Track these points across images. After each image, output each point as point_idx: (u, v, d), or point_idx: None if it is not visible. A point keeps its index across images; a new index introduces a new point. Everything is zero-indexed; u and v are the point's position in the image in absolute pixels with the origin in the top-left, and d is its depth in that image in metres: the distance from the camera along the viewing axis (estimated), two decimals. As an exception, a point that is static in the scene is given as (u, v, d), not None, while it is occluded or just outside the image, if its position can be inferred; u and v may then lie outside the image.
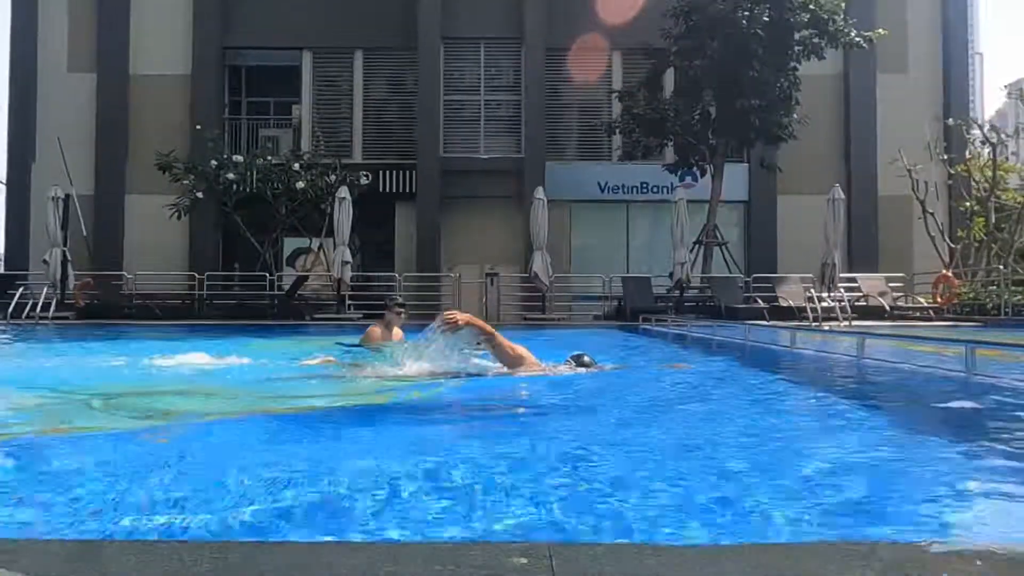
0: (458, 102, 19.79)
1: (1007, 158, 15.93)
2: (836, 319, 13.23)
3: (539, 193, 15.09)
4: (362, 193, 17.67)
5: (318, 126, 19.71)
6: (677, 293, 14.93)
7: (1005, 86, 17.33)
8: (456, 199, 19.36)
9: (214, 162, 15.28)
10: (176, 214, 15.37)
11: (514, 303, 16.56)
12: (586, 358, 4.81)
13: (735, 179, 19.27)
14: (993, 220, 15.87)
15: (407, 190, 19.34)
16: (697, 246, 16.92)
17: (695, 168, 17.04)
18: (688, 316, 13.56)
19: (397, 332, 7.18)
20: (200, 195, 14.81)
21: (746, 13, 14.17)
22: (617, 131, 17.25)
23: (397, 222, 19.69)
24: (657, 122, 16.29)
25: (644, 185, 19.59)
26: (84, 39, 19.41)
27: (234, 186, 14.63)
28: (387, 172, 19.34)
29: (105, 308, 14.46)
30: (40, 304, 12.98)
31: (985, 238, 15.30)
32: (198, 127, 16.26)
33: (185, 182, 15.43)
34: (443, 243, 19.15)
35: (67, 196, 14.80)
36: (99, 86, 19.36)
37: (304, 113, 19.83)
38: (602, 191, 19.74)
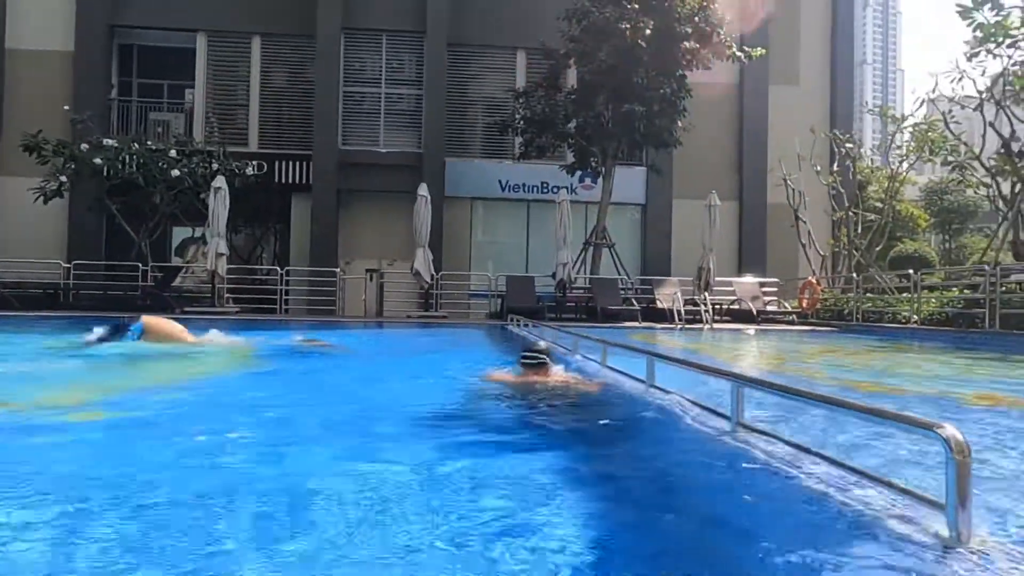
0: (358, 94, 19.49)
1: (872, 171, 16.69)
2: (701, 321, 13.69)
3: (422, 190, 15.01)
4: (257, 184, 17.22)
5: (212, 112, 19.09)
6: (559, 293, 15.13)
7: (870, 110, 18.12)
8: (354, 192, 19.10)
9: (85, 145, 14.56)
10: (41, 198, 14.58)
11: (403, 299, 16.45)
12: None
13: (633, 182, 19.71)
14: (858, 230, 16.67)
15: (304, 181, 18.95)
16: (586, 247, 17.22)
17: (591, 169, 17.29)
18: (564, 317, 13.76)
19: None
20: (64, 179, 14.08)
21: (627, 25, 14.39)
22: (510, 130, 17.31)
23: (293, 214, 19.27)
24: (549, 122, 16.46)
25: (544, 185, 19.76)
26: (-47, 8, 18.20)
27: (106, 171, 13.96)
28: (284, 162, 18.91)
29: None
30: None
31: (849, 246, 16.07)
32: (66, 108, 15.44)
33: (52, 164, 14.64)
34: (340, 237, 18.86)
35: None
36: (-30, 59, 18.21)
37: (198, 98, 19.14)
38: (503, 189, 19.81)
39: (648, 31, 14.32)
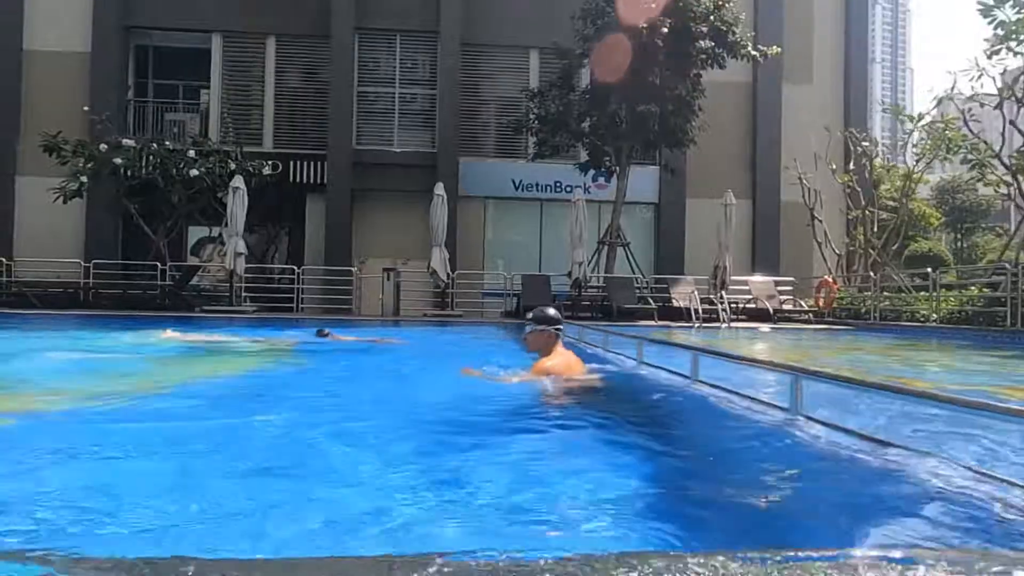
0: (372, 94, 19.57)
1: (888, 170, 16.66)
2: (719, 320, 13.69)
3: (439, 189, 15.07)
4: (272, 183, 17.32)
5: (227, 112, 19.20)
6: (575, 292, 15.16)
7: (885, 108, 18.03)
8: (368, 192, 19.17)
9: (104, 145, 14.69)
10: (61, 198, 14.71)
11: (422, 299, 16.52)
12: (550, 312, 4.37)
13: (646, 181, 19.70)
14: (874, 229, 16.63)
15: (318, 181, 19.05)
16: (601, 246, 17.24)
17: (605, 169, 17.31)
18: (580, 316, 13.79)
19: None
20: (85, 179, 14.20)
21: (645, 24, 14.41)
22: (524, 130, 17.36)
23: (308, 214, 19.37)
24: (563, 122, 16.48)
25: (558, 184, 19.79)
26: (-28, 10, 18.39)
27: (124, 171, 14.08)
28: (299, 162, 19.00)
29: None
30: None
31: (866, 245, 16.04)
32: (85, 108, 15.58)
33: (71, 165, 14.77)
34: (355, 237, 18.94)
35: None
36: (-11, 61, 18.39)
37: (213, 98, 19.27)
38: (517, 188, 19.85)
39: (665, 29, 14.33)
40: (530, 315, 4.31)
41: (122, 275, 15.57)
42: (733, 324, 13.07)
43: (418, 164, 19.18)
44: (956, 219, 38.63)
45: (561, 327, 4.23)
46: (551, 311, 4.30)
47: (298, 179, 18.97)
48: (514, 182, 19.83)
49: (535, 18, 19.17)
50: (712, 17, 15.22)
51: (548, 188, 19.92)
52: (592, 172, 17.54)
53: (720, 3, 15.32)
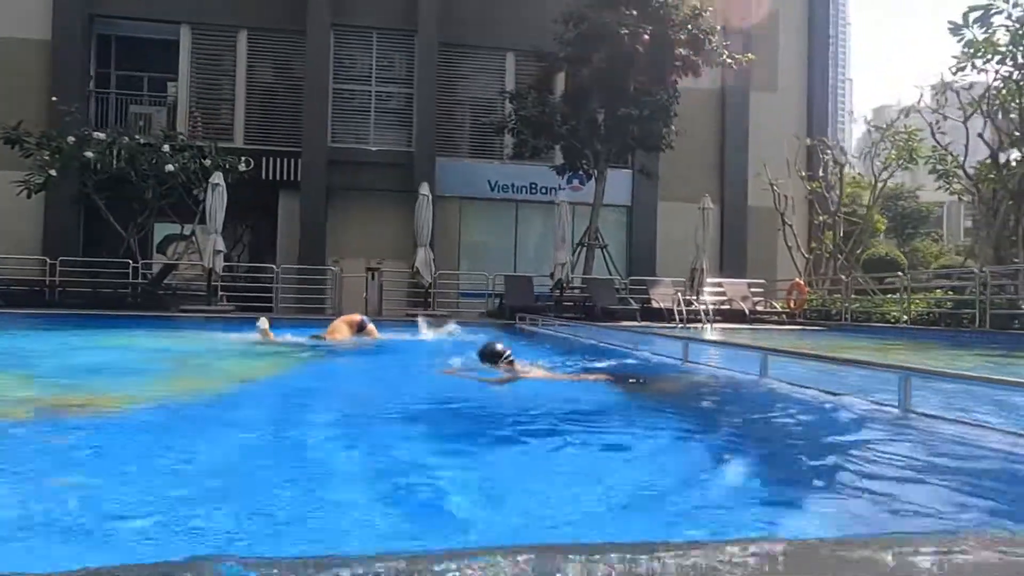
0: (348, 91, 19.34)
1: (853, 177, 17.44)
2: (700, 321, 14.08)
3: (424, 189, 15.04)
4: (243, 179, 16.92)
5: (196, 106, 18.67)
6: (558, 293, 15.34)
7: (866, 120, 18.87)
8: (343, 191, 18.94)
9: (72, 138, 14.11)
10: (25, 192, 14.07)
11: (399, 298, 16.44)
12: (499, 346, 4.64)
13: (619, 184, 20.04)
14: (841, 234, 17.38)
15: (291, 178, 18.71)
16: (579, 247, 17.48)
17: (581, 171, 17.55)
18: (565, 316, 13.97)
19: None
20: (54, 173, 13.61)
21: (626, 30, 14.70)
22: (506, 131, 17.45)
23: (280, 211, 19.00)
24: (545, 124, 16.65)
25: (533, 185, 19.96)
26: (-80, -9, 17.39)
27: (95, 165, 13.56)
28: (271, 159, 18.62)
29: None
30: None
31: (833, 249, 16.74)
32: (54, 99, 14.95)
33: (35, 158, 14.14)
34: (328, 235, 18.68)
35: None
36: (-62, 45, 17.41)
37: (181, 91, 18.70)
38: (492, 189, 19.92)
39: (646, 36, 14.65)
40: (478, 354, 4.57)
41: (89, 273, 14.94)
42: (710, 325, 13.47)
43: (393, 163, 19.05)
44: (899, 225, 40.62)
45: (511, 355, 4.48)
46: (499, 346, 4.57)
47: (270, 176, 18.59)
48: (490, 183, 19.90)
49: (512, 20, 19.28)
50: (690, 25, 15.64)
51: (524, 189, 20.06)
52: (568, 174, 17.76)
53: (697, 12, 15.75)
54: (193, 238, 15.99)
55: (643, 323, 13.83)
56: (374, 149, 19.23)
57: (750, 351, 3.98)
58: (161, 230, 18.79)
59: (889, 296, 13.57)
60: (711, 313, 13.66)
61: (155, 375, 4.96)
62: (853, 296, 14.16)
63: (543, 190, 19.93)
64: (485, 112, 20.27)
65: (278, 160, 18.71)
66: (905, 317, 11.96)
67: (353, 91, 19.36)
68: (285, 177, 18.71)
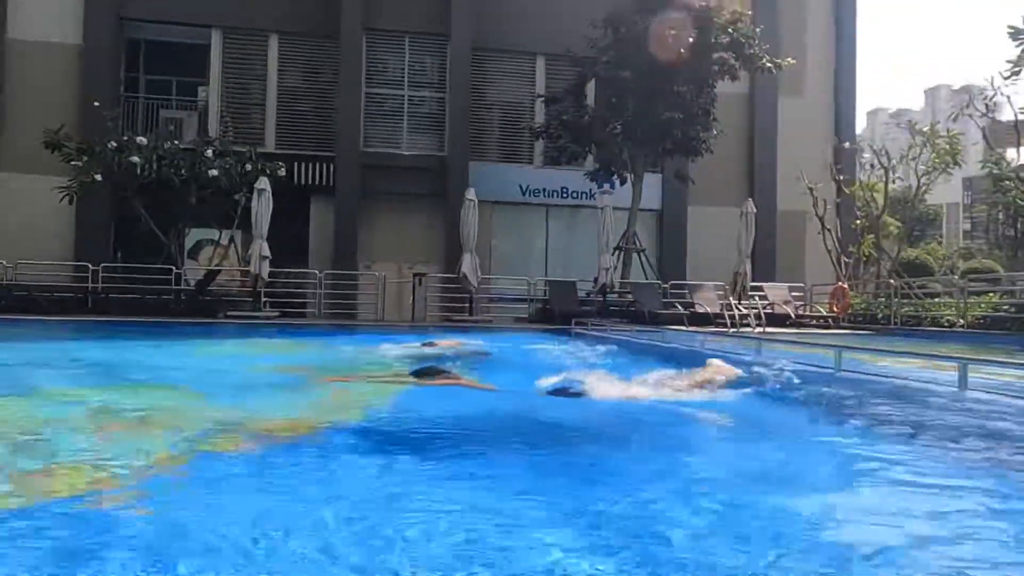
0: (379, 95, 19.25)
1: (894, 181, 17.49)
2: (749, 326, 14.04)
3: (470, 194, 14.97)
4: (275, 184, 16.78)
5: (227, 111, 18.53)
6: (600, 297, 15.28)
7: (910, 124, 18.83)
8: (375, 195, 18.83)
9: (113, 143, 13.96)
10: (68, 198, 13.92)
11: (439, 304, 16.31)
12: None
13: (650, 189, 19.98)
14: (887, 238, 17.39)
15: (323, 183, 18.59)
16: (616, 252, 17.42)
17: (615, 176, 17.51)
18: (616, 320, 13.90)
19: None
20: (99, 178, 13.45)
21: (672, 33, 14.70)
22: (544, 135, 17.42)
23: (312, 216, 18.87)
24: (584, 129, 16.61)
25: (564, 190, 19.92)
26: (-50, -5, 17.21)
27: (142, 169, 13.41)
28: (302, 164, 18.48)
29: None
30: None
31: (873, 253, 16.76)
32: (96, 104, 14.79)
33: (76, 163, 13.98)
34: (360, 240, 18.56)
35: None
36: (-32, 49, 17.23)
37: (212, 96, 18.57)
38: (523, 194, 19.86)
39: (692, 39, 14.64)
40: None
41: (127, 279, 14.74)
42: (757, 329, 13.43)
43: (425, 167, 18.98)
44: (908, 228, 40.87)
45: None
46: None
47: (302, 181, 18.45)
48: (520, 187, 19.84)
49: (543, 25, 19.26)
50: (731, 29, 15.65)
51: (554, 194, 20.02)
52: (599, 179, 17.69)
53: (737, 17, 15.78)
54: (228, 243, 15.83)
55: (692, 328, 13.78)
56: (406, 153, 19.15)
57: (939, 359, 3.91)
58: (194, 235, 18.64)
59: (936, 300, 13.56)
60: (763, 317, 13.62)
61: (305, 390, 4.79)
62: (905, 300, 14.14)
63: (573, 194, 19.90)
64: (514, 116, 20.24)
65: (309, 164, 18.58)
66: (961, 321, 11.96)
67: (385, 95, 19.28)
68: (316, 182, 18.59)
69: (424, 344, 7.72)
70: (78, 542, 1.89)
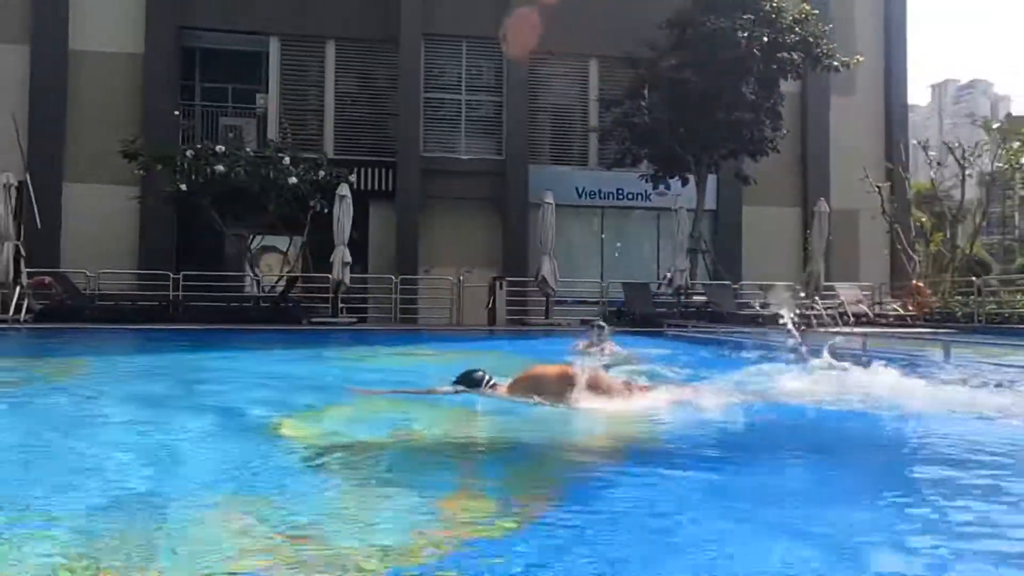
0: (437, 100, 19.26)
1: (963, 177, 17.43)
2: (826, 326, 13.99)
3: (548, 197, 14.95)
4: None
5: (285, 117, 18.55)
6: (675, 299, 15.25)
7: (987, 121, 18.77)
8: (433, 199, 18.82)
9: (191, 152, 13.98)
10: (147, 206, 13.94)
11: (510, 308, 16.26)
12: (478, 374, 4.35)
13: (706, 189, 19.99)
14: (962, 236, 17.35)
15: (383, 188, 18.60)
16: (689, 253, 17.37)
17: (676, 177, 17.47)
18: (696, 322, 13.86)
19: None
20: (184, 187, 13.45)
21: (744, 34, 14.67)
22: (609, 137, 17.39)
23: (371, 222, 18.85)
24: (649, 131, 16.58)
25: (620, 192, 19.89)
26: (16, 4, 17.26)
27: (230, 175, 13.42)
28: (362, 169, 18.47)
29: (67, 310, 12.89)
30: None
31: (944, 251, 16.70)
32: (176, 113, 14.85)
33: (141, 172, 14.01)
34: (419, 245, 18.54)
35: (20, 183, 13.04)
36: (33, 60, 17.27)
37: (270, 103, 18.59)
38: (579, 196, 19.83)
39: (765, 39, 14.62)
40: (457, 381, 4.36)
41: (202, 286, 14.74)
42: (833, 329, 13.38)
43: (484, 171, 18.98)
44: (937, 224, 40.72)
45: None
46: (477, 373, 4.37)
47: (361, 186, 18.42)
48: (577, 189, 19.81)
49: (596, 27, 19.23)
50: (799, 28, 15.61)
51: (610, 196, 20.00)
52: (656, 181, 17.66)
53: (805, 15, 15.74)
54: (301, 249, 15.81)
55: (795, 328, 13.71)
56: (465, 158, 19.14)
57: None
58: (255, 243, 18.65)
59: (1020, 297, 13.50)
60: (849, 316, 13.56)
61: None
62: (990, 297, 14.08)
63: (629, 196, 19.88)
64: (568, 119, 20.23)
65: (367, 170, 18.58)
66: (1055, 318, 11.90)
67: (443, 100, 19.28)
68: (376, 187, 18.59)
69: (582, 347, 7.48)
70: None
